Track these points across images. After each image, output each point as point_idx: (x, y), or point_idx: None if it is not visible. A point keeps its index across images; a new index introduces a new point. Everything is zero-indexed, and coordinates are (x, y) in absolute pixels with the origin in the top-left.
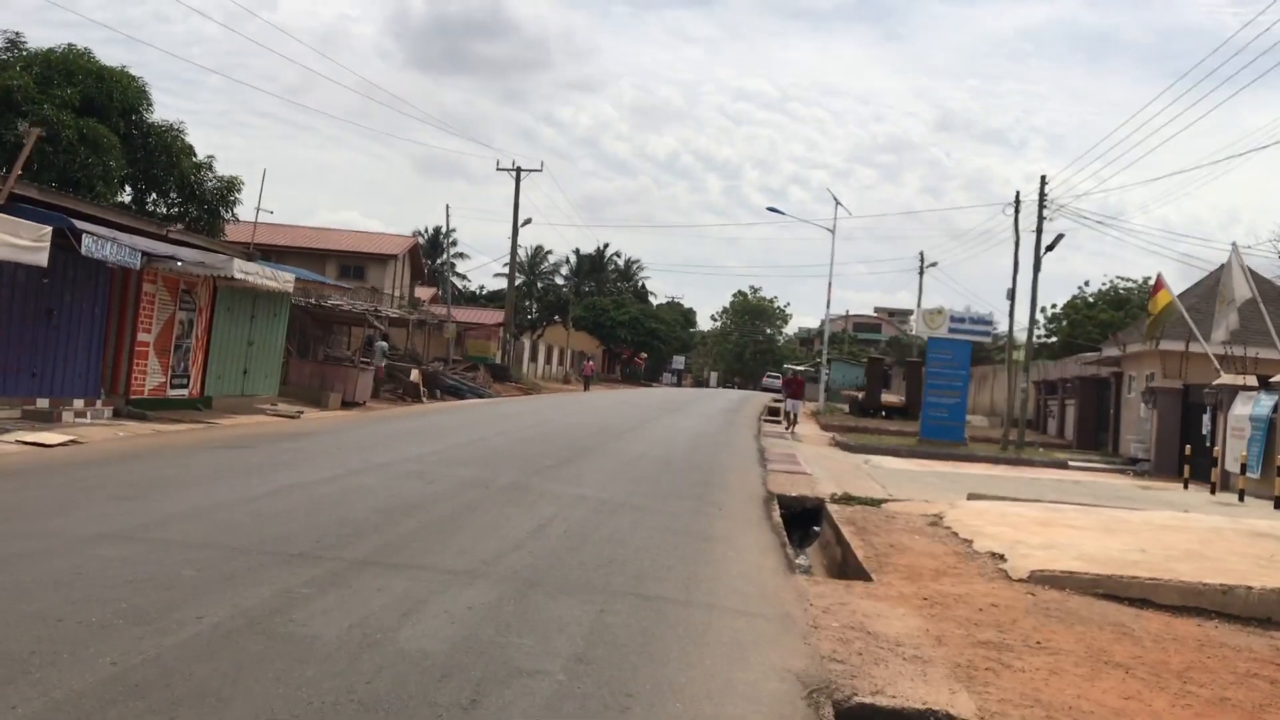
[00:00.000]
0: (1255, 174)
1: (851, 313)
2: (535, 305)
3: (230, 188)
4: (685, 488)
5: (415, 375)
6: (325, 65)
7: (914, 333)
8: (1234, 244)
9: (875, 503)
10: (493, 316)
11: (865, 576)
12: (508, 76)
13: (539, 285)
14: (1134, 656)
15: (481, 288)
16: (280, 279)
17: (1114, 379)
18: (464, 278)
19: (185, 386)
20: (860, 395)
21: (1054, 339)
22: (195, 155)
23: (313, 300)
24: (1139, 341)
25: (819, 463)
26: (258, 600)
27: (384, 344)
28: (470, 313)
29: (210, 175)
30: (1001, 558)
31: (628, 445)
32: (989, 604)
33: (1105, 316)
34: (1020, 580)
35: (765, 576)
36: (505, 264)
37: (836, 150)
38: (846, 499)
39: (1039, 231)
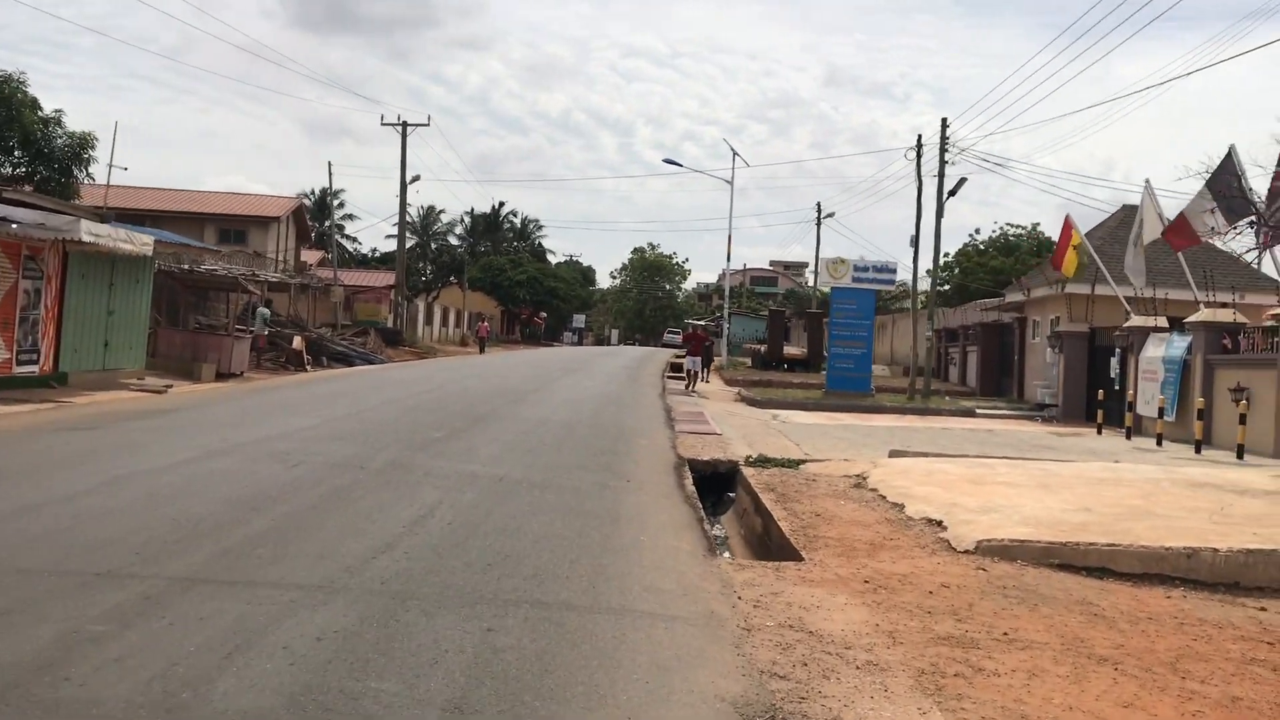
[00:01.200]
0: (1132, 124)
1: (748, 266)
2: (430, 266)
3: (83, 145)
4: (589, 457)
5: (298, 342)
6: (206, 23)
7: (815, 284)
8: (1146, 181)
9: (793, 464)
10: (384, 279)
11: (794, 554)
12: (394, 34)
13: (433, 246)
14: (1116, 646)
15: (374, 250)
16: (138, 242)
17: (1017, 324)
18: (354, 240)
19: (35, 363)
20: (762, 348)
21: (947, 287)
22: (40, 109)
23: (184, 265)
24: (1044, 285)
25: (727, 421)
26: (30, 649)
27: (265, 310)
28: (360, 275)
29: (60, 131)
30: (940, 524)
31: (527, 410)
32: (939, 584)
33: (996, 263)
34: (966, 552)
35: (683, 563)
36: (396, 224)
37: (729, 106)
38: (762, 461)
39: (941, 175)
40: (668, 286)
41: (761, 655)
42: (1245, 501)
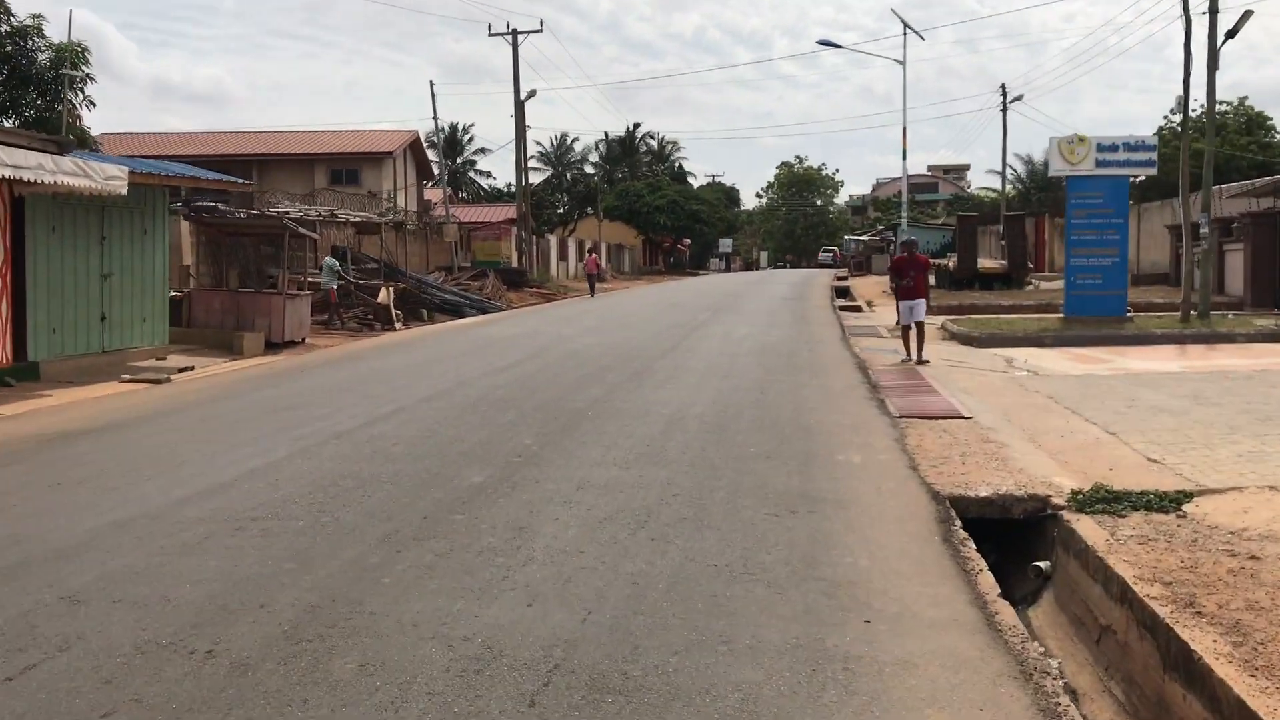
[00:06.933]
0: None
1: (905, 174)
2: (565, 197)
3: (74, 61)
4: (760, 526)
5: (384, 295)
6: None
7: (1002, 185)
8: None
9: (1165, 502)
10: (506, 213)
11: None
12: None
13: (568, 176)
14: None
15: (509, 184)
16: (99, 175)
17: None
18: (488, 175)
19: None
20: (950, 264)
21: (1142, 177)
22: (12, 16)
23: (218, 207)
24: None
25: (955, 381)
26: None
27: (332, 260)
28: (480, 210)
29: (41, 43)
30: None
31: (650, 395)
32: None
33: (1200, 146)
34: None
35: None
36: (530, 155)
37: (866, 9)
38: (1107, 499)
39: (1213, 10)
40: (819, 202)
41: None
42: None
